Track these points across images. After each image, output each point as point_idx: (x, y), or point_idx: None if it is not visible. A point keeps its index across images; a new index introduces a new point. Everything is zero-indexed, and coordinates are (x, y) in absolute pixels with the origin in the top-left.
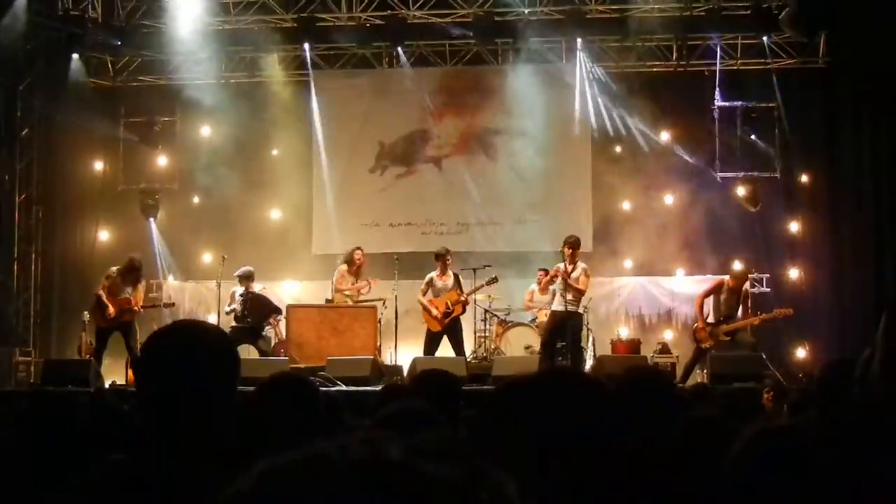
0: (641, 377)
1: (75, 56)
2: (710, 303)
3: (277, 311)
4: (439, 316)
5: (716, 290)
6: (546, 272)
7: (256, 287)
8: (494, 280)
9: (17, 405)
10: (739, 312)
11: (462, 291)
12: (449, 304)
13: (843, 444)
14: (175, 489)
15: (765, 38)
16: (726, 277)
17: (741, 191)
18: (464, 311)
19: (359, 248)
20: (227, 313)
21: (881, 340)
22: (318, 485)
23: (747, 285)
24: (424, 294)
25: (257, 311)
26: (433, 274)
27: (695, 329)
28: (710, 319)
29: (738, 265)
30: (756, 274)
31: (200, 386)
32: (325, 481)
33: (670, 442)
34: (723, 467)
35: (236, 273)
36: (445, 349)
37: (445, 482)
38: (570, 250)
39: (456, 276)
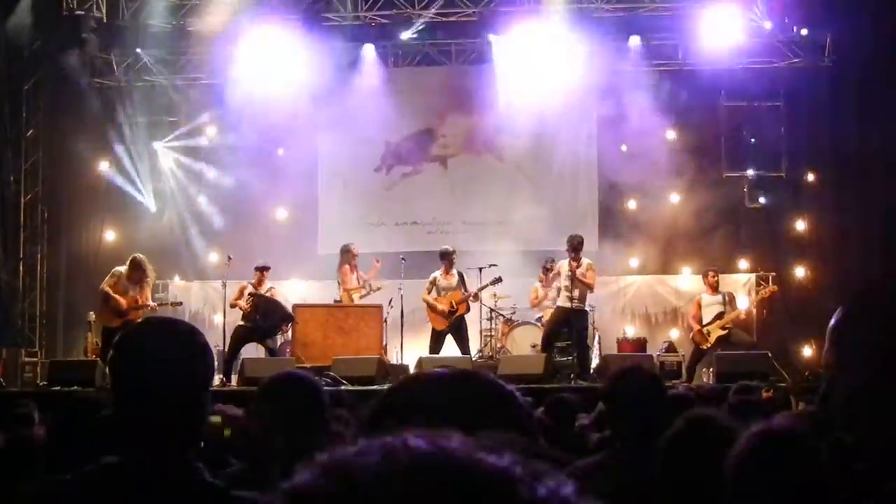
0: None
1: (80, 56)
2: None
3: (290, 319)
4: (445, 311)
5: (699, 306)
6: (553, 261)
7: (266, 286)
8: (498, 280)
9: (23, 405)
10: (728, 309)
11: (466, 290)
12: (453, 302)
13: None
14: (152, 489)
15: (771, 37)
16: (702, 292)
17: (747, 189)
18: (468, 309)
19: (351, 243)
20: (231, 306)
21: (831, 344)
22: (380, 475)
23: (726, 287)
24: (429, 292)
25: (268, 316)
26: (437, 273)
27: (692, 336)
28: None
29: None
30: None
31: (168, 382)
32: (387, 472)
33: (666, 441)
34: (725, 466)
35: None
36: (451, 349)
37: (507, 475)
38: (574, 252)
39: (460, 275)
